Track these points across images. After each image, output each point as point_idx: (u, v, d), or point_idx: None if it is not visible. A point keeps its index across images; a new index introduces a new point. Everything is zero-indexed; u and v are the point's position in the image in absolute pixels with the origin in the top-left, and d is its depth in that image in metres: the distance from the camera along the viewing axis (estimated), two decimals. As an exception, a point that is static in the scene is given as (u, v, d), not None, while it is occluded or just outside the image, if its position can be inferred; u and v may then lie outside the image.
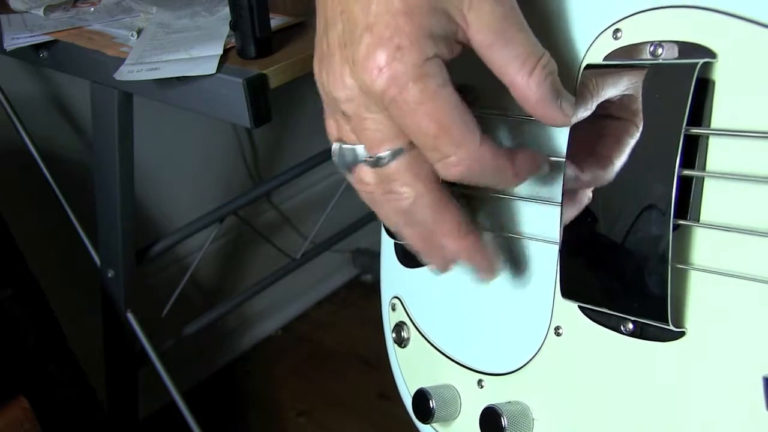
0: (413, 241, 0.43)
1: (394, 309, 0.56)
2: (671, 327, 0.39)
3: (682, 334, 0.40)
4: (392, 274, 0.56)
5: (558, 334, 0.45)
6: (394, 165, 0.39)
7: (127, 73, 0.78)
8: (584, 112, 0.41)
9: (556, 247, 0.44)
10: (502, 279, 0.48)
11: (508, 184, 0.41)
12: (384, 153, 0.39)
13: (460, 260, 0.43)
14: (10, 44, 0.88)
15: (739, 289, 0.38)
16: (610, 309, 0.42)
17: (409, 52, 0.36)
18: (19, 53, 0.90)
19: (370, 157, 0.40)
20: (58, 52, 0.89)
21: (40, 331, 0.98)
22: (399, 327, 0.55)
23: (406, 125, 0.38)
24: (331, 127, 0.43)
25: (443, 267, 0.44)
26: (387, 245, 0.56)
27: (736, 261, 0.38)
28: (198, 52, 0.78)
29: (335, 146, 0.42)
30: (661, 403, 0.41)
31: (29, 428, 0.87)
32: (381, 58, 0.36)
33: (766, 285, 0.37)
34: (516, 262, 0.48)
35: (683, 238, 0.39)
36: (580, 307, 0.44)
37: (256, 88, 0.75)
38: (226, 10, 0.83)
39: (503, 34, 0.38)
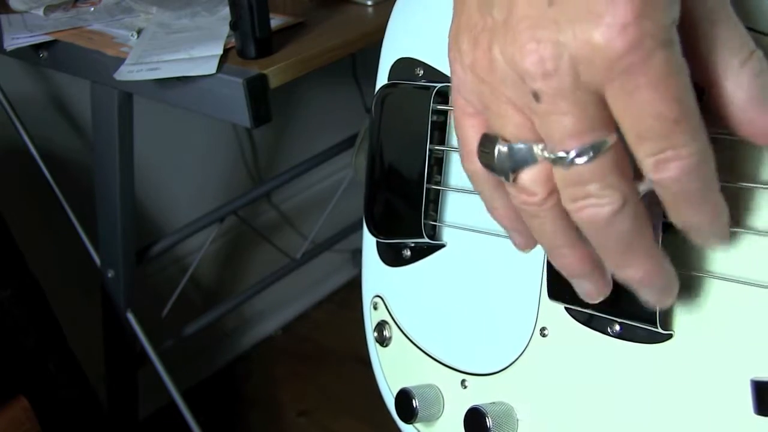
0: (573, 264, 0.36)
1: (375, 308, 0.55)
2: (659, 329, 0.39)
3: (670, 336, 0.40)
4: (374, 272, 0.55)
5: (543, 335, 0.45)
6: (597, 162, 0.30)
7: (127, 73, 0.78)
8: None
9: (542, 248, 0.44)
10: (488, 279, 0.48)
11: (715, 205, 0.33)
12: (585, 146, 0.30)
13: (649, 283, 0.35)
14: (10, 44, 0.88)
15: (728, 292, 0.38)
16: (597, 311, 0.42)
17: (660, 8, 0.28)
18: (19, 53, 0.90)
19: (560, 155, 0.31)
20: (58, 52, 0.89)
21: (40, 331, 0.97)
22: (381, 326, 0.55)
23: (633, 105, 0.29)
24: (472, 118, 0.35)
25: (606, 290, 0.37)
26: (369, 243, 0.55)
27: (724, 264, 0.38)
28: (198, 52, 0.78)
29: (498, 147, 0.33)
30: (648, 405, 0.41)
31: (29, 428, 0.87)
32: (625, 11, 0.28)
33: (754, 288, 0.37)
34: (502, 262, 0.48)
35: (671, 240, 0.39)
36: (566, 308, 0.44)
37: (256, 88, 0.75)
38: (226, 10, 0.83)
39: (727, 11, 0.31)
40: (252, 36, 0.77)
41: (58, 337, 1.02)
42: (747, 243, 0.37)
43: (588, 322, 0.43)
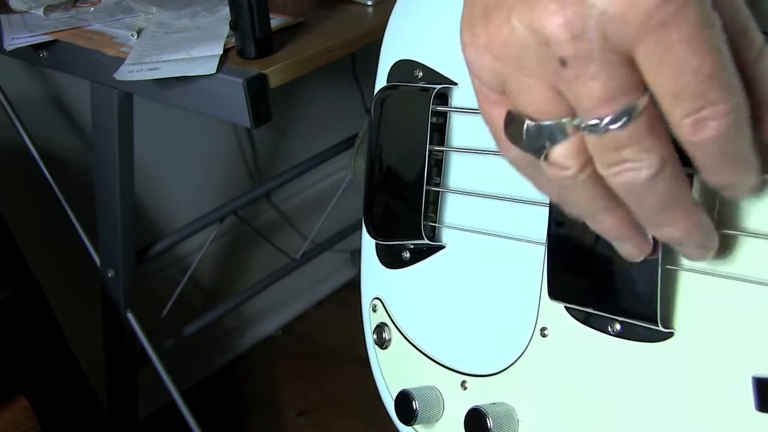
0: (612, 227, 0.35)
1: (374, 310, 0.55)
2: (660, 328, 0.39)
3: (671, 334, 0.40)
4: (373, 274, 0.55)
5: (544, 335, 0.45)
6: (632, 127, 0.29)
7: (127, 73, 0.78)
8: None
9: (543, 248, 0.44)
10: (487, 280, 0.48)
11: (750, 174, 0.32)
12: (618, 111, 0.29)
13: (691, 239, 0.35)
14: (10, 44, 0.88)
15: (729, 290, 0.38)
16: (597, 310, 0.41)
17: None
18: (19, 53, 0.90)
19: (594, 123, 0.30)
20: (58, 52, 0.89)
21: (40, 331, 0.98)
22: (380, 328, 0.55)
23: (667, 62, 0.28)
24: (497, 106, 0.34)
25: (647, 248, 0.37)
26: (368, 245, 0.55)
27: (725, 261, 0.38)
28: (198, 52, 0.78)
29: (526, 125, 0.32)
30: (649, 404, 0.41)
31: (29, 428, 0.87)
32: None
33: (754, 285, 0.37)
34: (502, 262, 0.48)
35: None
36: (566, 308, 0.44)
37: (256, 88, 0.75)
38: (226, 10, 0.83)
39: (739, 11, 0.30)
40: (252, 36, 0.77)
41: (58, 337, 1.02)
42: (748, 243, 0.37)
43: (588, 321, 0.43)
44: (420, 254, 0.52)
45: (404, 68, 0.52)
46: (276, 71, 0.77)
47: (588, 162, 0.32)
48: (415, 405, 0.49)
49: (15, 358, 0.95)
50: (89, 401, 1.06)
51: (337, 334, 1.63)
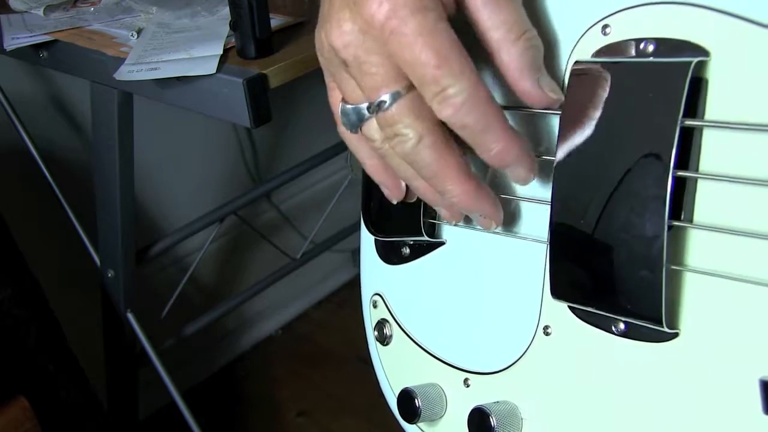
0: (425, 193, 0.44)
1: (375, 306, 0.55)
2: (665, 328, 0.39)
3: (676, 335, 0.40)
4: (373, 270, 0.55)
5: (547, 334, 0.45)
6: (395, 107, 0.40)
7: (127, 73, 0.78)
8: (573, 109, 0.41)
9: (544, 246, 0.44)
10: (489, 276, 0.48)
11: (498, 142, 0.40)
12: (384, 96, 0.40)
13: (466, 206, 0.43)
14: (10, 44, 0.88)
15: (735, 291, 0.38)
16: (601, 310, 0.41)
17: None
18: (19, 53, 0.90)
19: (371, 104, 0.40)
20: (58, 52, 0.89)
21: (40, 331, 0.97)
22: (381, 324, 0.54)
23: (406, 60, 0.38)
24: (334, 90, 0.45)
25: (456, 216, 0.46)
26: (367, 241, 0.55)
27: (732, 262, 0.38)
28: (198, 52, 0.78)
29: (340, 106, 0.43)
30: (654, 404, 0.41)
31: (29, 428, 0.87)
32: None
33: (760, 287, 0.37)
34: (503, 260, 0.48)
35: (677, 238, 0.39)
36: (569, 306, 0.43)
37: (256, 88, 0.75)
38: (226, 10, 0.83)
39: None
40: (252, 36, 0.77)
41: (58, 337, 1.02)
42: (752, 244, 0.37)
43: (592, 320, 0.43)
44: (420, 250, 0.52)
45: None
46: (276, 71, 0.77)
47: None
48: (418, 403, 0.49)
49: (15, 358, 0.94)
50: (89, 401, 1.06)
51: (337, 334, 1.63)
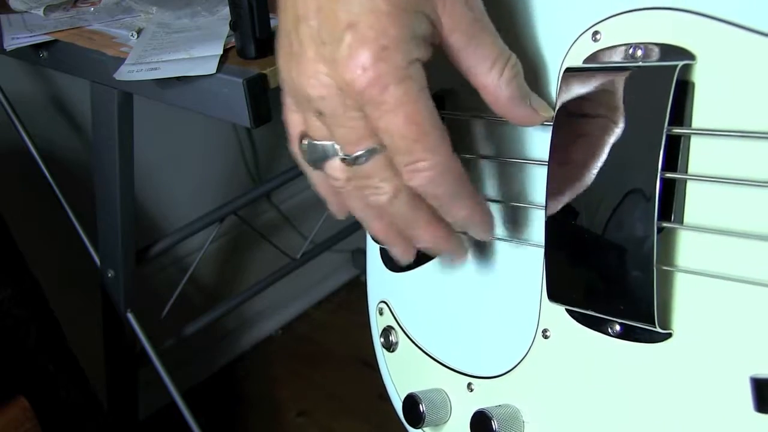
0: (379, 232, 0.43)
1: (381, 313, 0.56)
2: (658, 329, 0.39)
3: (669, 335, 0.40)
4: (379, 278, 0.56)
5: (546, 337, 0.45)
6: (371, 163, 0.39)
7: (127, 73, 0.78)
8: (565, 115, 0.41)
9: (542, 250, 0.44)
10: (490, 282, 0.48)
11: (463, 210, 0.41)
12: (361, 151, 0.39)
13: (437, 249, 0.43)
14: (10, 44, 0.88)
15: (726, 291, 0.38)
16: (596, 311, 0.42)
17: (395, 53, 0.36)
18: (19, 53, 0.90)
19: (346, 156, 0.39)
20: (58, 52, 0.89)
21: (40, 331, 0.97)
22: (387, 331, 0.55)
23: (381, 127, 0.37)
24: (295, 121, 0.43)
25: (409, 255, 0.45)
26: (372, 250, 0.56)
27: (722, 262, 0.38)
28: (198, 52, 0.78)
29: (304, 142, 0.42)
30: (650, 404, 0.41)
31: (29, 428, 0.87)
32: (365, 58, 0.36)
33: (751, 286, 0.37)
34: (503, 265, 0.48)
35: (668, 239, 0.39)
36: (567, 309, 0.44)
37: (256, 88, 0.75)
38: (226, 10, 0.83)
39: (475, 36, 0.39)
40: (252, 36, 0.76)
41: (58, 337, 1.02)
42: (743, 244, 0.37)
43: (589, 322, 0.43)
44: (423, 257, 0.52)
45: None
46: (276, 71, 0.77)
47: (352, 177, 0.40)
48: (422, 408, 0.50)
49: (15, 358, 0.95)
50: (89, 401, 1.06)
51: (337, 334, 1.63)
